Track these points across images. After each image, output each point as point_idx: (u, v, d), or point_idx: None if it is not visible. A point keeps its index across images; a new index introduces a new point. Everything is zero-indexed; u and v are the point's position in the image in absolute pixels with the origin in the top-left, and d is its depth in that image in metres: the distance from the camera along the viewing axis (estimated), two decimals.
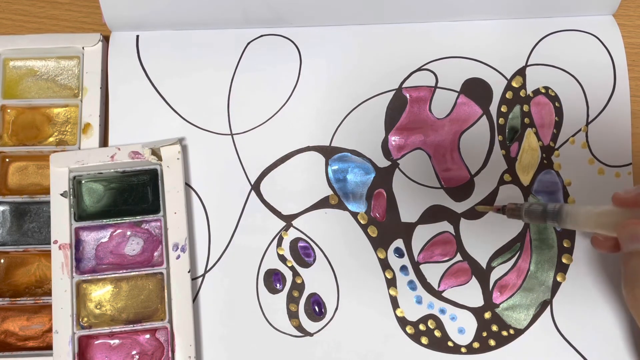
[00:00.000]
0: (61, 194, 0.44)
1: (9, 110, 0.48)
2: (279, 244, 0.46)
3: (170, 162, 0.45)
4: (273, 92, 0.48)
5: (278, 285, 0.45)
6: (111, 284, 0.45)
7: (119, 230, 0.45)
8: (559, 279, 0.46)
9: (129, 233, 0.45)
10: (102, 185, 0.46)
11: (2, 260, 0.45)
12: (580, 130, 0.48)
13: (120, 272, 0.44)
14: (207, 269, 0.45)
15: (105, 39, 0.49)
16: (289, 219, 0.46)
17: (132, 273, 0.44)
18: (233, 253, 0.45)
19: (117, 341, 0.44)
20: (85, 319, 0.44)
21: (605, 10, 0.49)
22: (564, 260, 0.46)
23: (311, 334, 0.45)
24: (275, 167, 0.47)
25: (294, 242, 0.46)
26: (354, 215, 0.46)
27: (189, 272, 0.44)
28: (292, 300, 0.45)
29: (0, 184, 0.46)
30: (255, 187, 0.46)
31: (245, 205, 0.46)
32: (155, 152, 0.44)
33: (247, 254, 0.46)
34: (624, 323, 0.45)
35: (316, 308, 0.45)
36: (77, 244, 0.44)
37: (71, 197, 0.45)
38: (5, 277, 0.45)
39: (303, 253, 0.46)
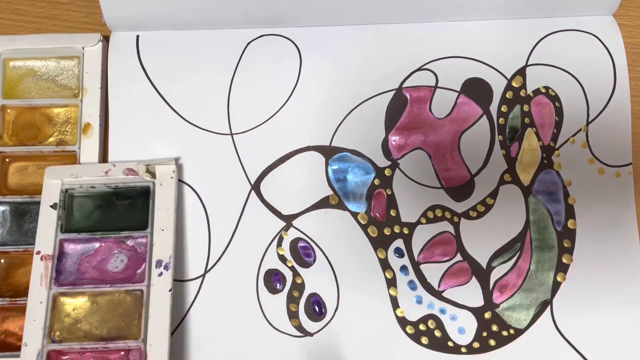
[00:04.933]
0: (51, 206, 0.43)
1: (9, 110, 0.47)
2: (279, 244, 0.45)
3: (164, 180, 0.44)
4: (273, 91, 0.47)
5: (278, 285, 0.45)
6: (89, 298, 0.43)
7: (104, 245, 0.44)
8: (559, 279, 0.45)
9: (114, 250, 0.44)
10: (93, 200, 0.45)
11: (2, 260, 0.45)
12: (580, 130, 0.47)
13: (100, 286, 0.43)
14: (207, 269, 0.45)
15: (105, 39, 0.48)
16: (289, 219, 0.46)
17: (111, 289, 0.43)
18: (233, 253, 0.45)
19: (88, 358, 0.42)
20: (58, 333, 0.42)
21: (605, 10, 0.49)
22: (564, 260, 0.46)
23: (311, 334, 0.44)
24: (275, 167, 0.46)
25: (294, 242, 0.45)
26: (354, 215, 0.46)
27: (170, 290, 0.43)
28: (292, 300, 0.45)
29: (0, 184, 0.46)
30: (255, 187, 0.46)
31: (245, 205, 0.46)
32: (149, 170, 0.44)
33: (247, 254, 0.45)
34: (623, 322, 0.44)
35: (316, 308, 0.45)
36: (60, 256, 0.43)
37: (60, 209, 0.44)
38: (5, 277, 0.45)
39: (303, 253, 0.45)
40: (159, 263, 0.43)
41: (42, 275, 0.42)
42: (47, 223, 0.44)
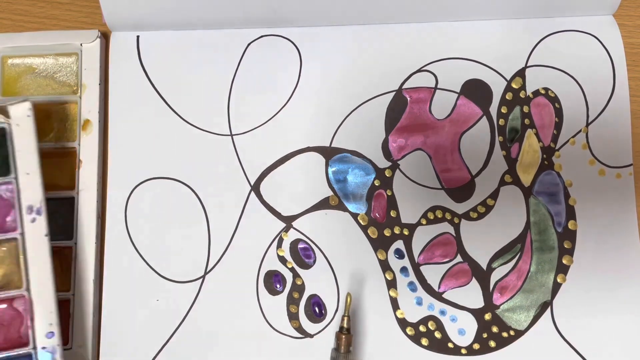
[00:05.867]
0: None
1: None
2: (279, 245, 0.44)
3: (20, 120, 0.42)
4: (273, 92, 0.46)
5: (278, 286, 0.44)
6: None
7: None
8: (559, 280, 0.44)
9: None
10: None
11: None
12: (580, 131, 0.46)
13: None
14: (207, 270, 0.44)
15: (106, 39, 0.47)
16: (289, 220, 0.45)
17: None
18: (233, 254, 0.44)
19: None
20: None
21: (605, 10, 0.48)
22: (564, 262, 0.45)
23: (311, 336, 0.43)
24: (275, 167, 0.45)
25: (294, 244, 0.44)
26: (354, 216, 0.45)
27: (46, 235, 0.41)
28: (292, 301, 0.44)
29: None
30: (255, 187, 0.45)
31: (245, 206, 0.45)
32: (2, 111, 0.41)
33: (247, 255, 0.44)
34: (624, 324, 0.44)
35: (316, 309, 0.44)
36: None
37: None
38: None
39: (303, 254, 0.44)
40: (29, 209, 0.41)
41: None
42: None
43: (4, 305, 0.40)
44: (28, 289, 0.40)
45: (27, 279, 0.40)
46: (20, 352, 0.40)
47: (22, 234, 0.41)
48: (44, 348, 0.40)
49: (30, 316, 0.40)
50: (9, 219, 0.41)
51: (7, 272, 0.41)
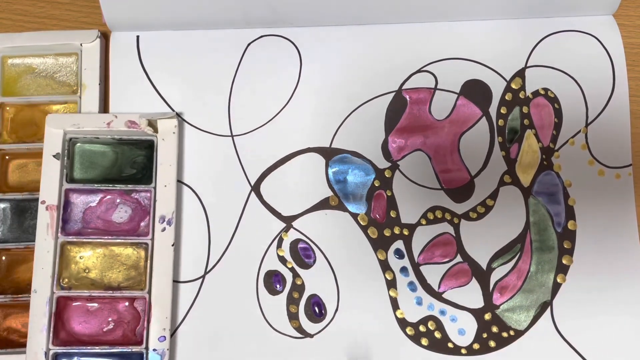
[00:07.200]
0: (54, 156, 0.42)
1: (8, 108, 0.46)
2: (279, 245, 0.44)
3: (166, 135, 0.44)
4: (273, 93, 0.46)
5: (278, 286, 0.43)
6: (96, 249, 0.43)
7: (108, 197, 0.44)
8: (559, 280, 0.44)
9: (118, 200, 0.44)
10: (97, 151, 0.44)
11: (3, 258, 0.44)
12: (579, 131, 0.46)
13: (106, 237, 0.43)
14: (207, 270, 0.44)
15: (106, 40, 0.47)
16: (289, 220, 0.44)
17: (118, 240, 0.43)
18: (233, 254, 0.44)
19: (95, 305, 0.43)
20: (66, 280, 0.42)
21: (605, 10, 0.47)
22: (564, 262, 0.44)
23: (311, 335, 0.43)
24: (275, 168, 0.45)
25: (294, 243, 0.44)
26: (354, 216, 0.44)
27: (172, 245, 0.43)
28: (292, 301, 0.43)
29: (0, 182, 0.45)
30: (255, 188, 0.45)
31: (245, 206, 0.44)
32: (151, 124, 0.43)
33: (247, 255, 0.44)
34: (624, 324, 0.43)
35: (316, 309, 0.43)
36: (66, 206, 0.43)
37: (65, 159, 0.43)
38: (7, 274, 0.44)
39: (303, 254, 0.44)
40: (162, 218, 0.43)
41: (48, 225, 0.42)
42: (51, 173, 0.43)
43: (126, 304, 0.43)
44: (149, 292, 0.42)
45: (150, 282, 0.42)
46: (134, 350, 0.41)
47: (152, 240, 0.43)
48: (154, 350, 0.41)
49: (147, 318, 0.41)
50: (143, 224, 0.43)
51: (135, 273, 0.43)
